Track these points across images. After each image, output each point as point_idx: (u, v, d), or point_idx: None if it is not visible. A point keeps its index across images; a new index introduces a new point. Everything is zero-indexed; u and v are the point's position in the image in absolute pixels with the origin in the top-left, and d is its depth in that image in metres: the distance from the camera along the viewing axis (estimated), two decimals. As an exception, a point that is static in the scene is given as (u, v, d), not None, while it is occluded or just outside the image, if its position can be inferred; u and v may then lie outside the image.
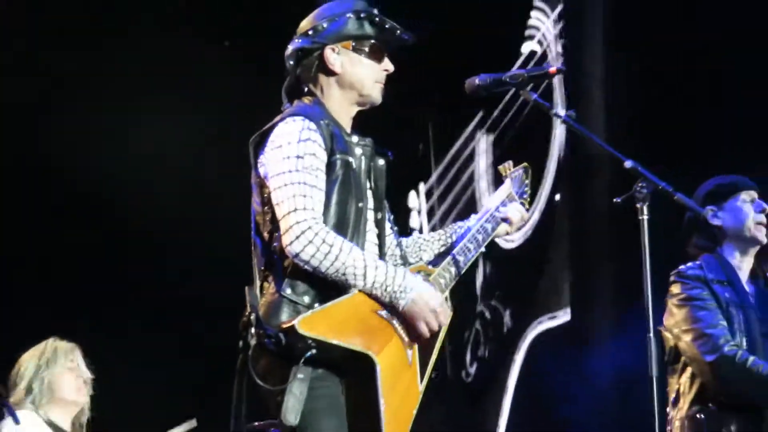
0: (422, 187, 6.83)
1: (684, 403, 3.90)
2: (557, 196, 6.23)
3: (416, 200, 6.94)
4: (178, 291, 6.12)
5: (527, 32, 6.43)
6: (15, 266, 5.90)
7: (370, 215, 3.10)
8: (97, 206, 6.21)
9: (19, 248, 5.97)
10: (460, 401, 6.50)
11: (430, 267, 3.20)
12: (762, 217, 3.92)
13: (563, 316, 6.30)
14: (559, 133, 6.15)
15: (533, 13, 6.41)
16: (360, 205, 3.03)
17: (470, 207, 6.49)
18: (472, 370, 6.69)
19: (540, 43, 6.34)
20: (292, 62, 3.15)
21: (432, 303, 3.00)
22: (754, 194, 3.97)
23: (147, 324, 6.20)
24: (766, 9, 5.75)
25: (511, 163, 3.59)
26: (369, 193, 3.11)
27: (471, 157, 6.72)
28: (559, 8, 6.23)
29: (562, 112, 3.22)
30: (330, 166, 3.00)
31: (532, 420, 6.40)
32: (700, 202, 3.94)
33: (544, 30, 6.31)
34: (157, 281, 6.19)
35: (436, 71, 6.34)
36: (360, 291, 2.95)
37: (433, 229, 6.32)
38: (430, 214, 6.78)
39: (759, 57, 5.64)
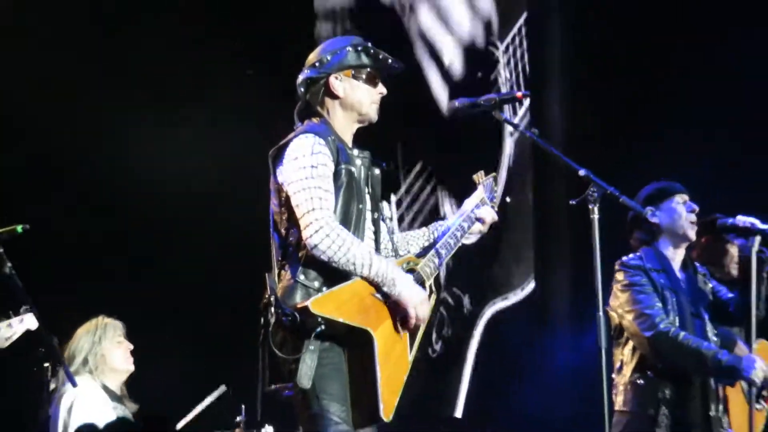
0: (393, 198, 7.23)
1: (627, 371, 4.29)
2: (508, 198, 6.87)
3: (388, 209, 7.38)
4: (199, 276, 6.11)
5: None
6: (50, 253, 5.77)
7: (368, 215, 3.53)
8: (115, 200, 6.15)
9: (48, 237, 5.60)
10: (427, 373, 7.04)
11: (417, 258, 3.64)
12: (693, 216, 4.32)
13: (513, 298, 6.97)
14: (508, 145, 6.72)
15: (489, 48, 7.00)
16: (360, 206, 3.47)
17: (433, 214, 7.01)
18: (438, 347, 7.26)
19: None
20: (302, 89, 3.59)
21: (415, 299, 3.44)
22: (685, 197, 4.36)
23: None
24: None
25: (483, 172, 4.01)
26: (367, 197, 3.54)
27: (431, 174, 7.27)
28: (507, 40, 6.81)
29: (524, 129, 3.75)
30: (336, 175, 3.43)
31: (488, 388, 7.01)
32: (641, 203, 4.30)
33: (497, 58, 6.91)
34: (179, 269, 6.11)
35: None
36: (360, 278, 3.37)
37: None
38: (400, 221, 7.24)
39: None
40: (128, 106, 6.16)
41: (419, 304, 3.47)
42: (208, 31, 6.37)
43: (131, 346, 4.92)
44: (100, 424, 4.42)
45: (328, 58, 3.56)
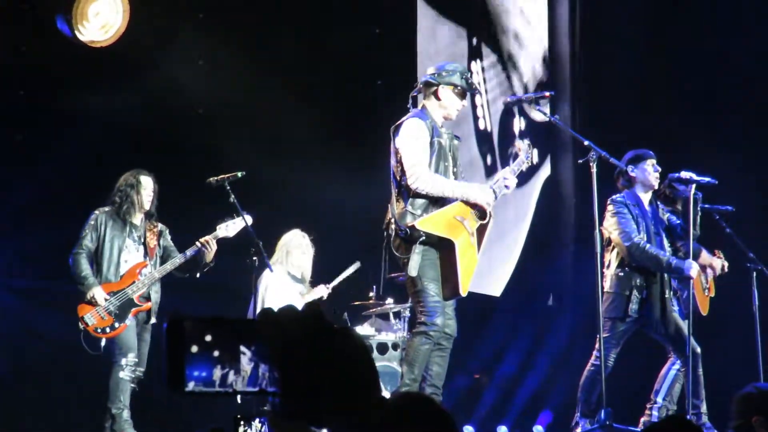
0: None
1: (612, 267, 5.69)
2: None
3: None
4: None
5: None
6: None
7: (450, 170, 5.03)
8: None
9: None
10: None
11: None
12: (656, 174, 5.70)
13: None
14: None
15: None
16: (446, 164, 4.99)
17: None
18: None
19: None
20: (421, 85, 5.05)
21: (481, 196, 4.91)
22: (653, 161, 5.73)
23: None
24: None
25: (524, 141, 5.49)
26: (450, 158, 5.04)
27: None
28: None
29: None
30: (431, 144, 4.95)
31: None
32: (625, 162, 5.75)
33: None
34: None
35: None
36: (446, 207, 4.84)
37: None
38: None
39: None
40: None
41: (484, 195, 4.94)
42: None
43: (311, 250, 6.53)
44: (283, 296, 6.19)
45: (443, 74, 5.02)
